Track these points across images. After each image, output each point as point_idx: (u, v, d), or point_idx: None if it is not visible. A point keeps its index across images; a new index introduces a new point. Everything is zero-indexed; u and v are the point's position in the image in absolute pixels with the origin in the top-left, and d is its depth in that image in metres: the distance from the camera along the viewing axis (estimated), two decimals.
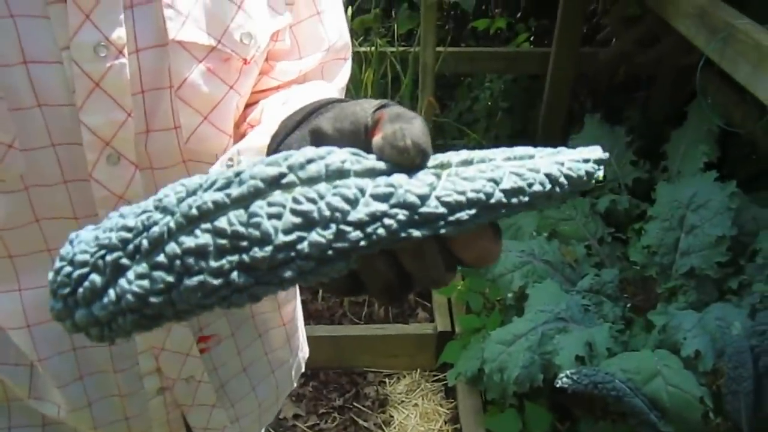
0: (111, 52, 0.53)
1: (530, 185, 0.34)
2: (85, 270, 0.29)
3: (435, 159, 0.35)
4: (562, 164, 0.36)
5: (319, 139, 0.41)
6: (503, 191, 0.34)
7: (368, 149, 0.36)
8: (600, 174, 0.38)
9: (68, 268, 0.29)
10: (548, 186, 0.35)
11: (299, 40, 0.67)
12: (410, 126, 0.35)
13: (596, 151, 0.38)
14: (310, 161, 0.32)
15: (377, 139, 0.36)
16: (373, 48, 2.21)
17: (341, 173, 0.33)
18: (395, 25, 2.22)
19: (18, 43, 0.51)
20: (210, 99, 0.59)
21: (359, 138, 0.38)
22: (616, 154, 2.05)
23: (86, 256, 0.29)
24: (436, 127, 2.34)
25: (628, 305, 1.71)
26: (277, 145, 0.47)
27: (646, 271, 1.72)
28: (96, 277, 0.29)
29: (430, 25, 1.80)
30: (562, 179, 0.36)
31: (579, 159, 0.37)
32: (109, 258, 0.29)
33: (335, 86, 0.71)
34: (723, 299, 1.57)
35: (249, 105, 0.66)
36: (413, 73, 2.18)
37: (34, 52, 0.51)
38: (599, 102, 2.68)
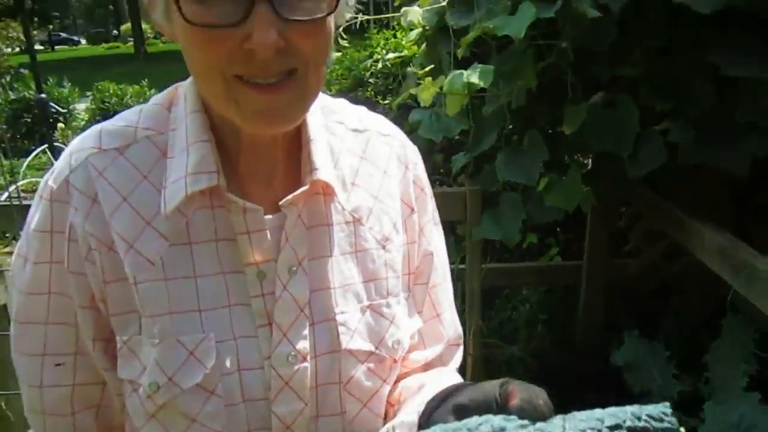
0: (298, 359, 0.72)
1: None
2: None
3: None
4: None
5: (460, 411, 0.58)
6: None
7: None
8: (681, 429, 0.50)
9: None
10: None
11: (424, 337, 0.87)
12: (537, 391, 0.55)
13: (665, 409, 0.50)
14: (480, 424, 0.48)
15: (516, 402, 0.54)
16: None
17: (502, 429, 0.47)
18: None
19: (236, 356, 0.70)
20: (369, 391, 0.77)
21: (491, 408, 0.55)
22: (658, 368, 2.13)
23: None
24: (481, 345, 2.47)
25: None
26: (425, 419, 0.64)
27: None
28: None
29: (476, 259, 1.99)
30: None
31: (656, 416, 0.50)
32: None
33: (452, 368, 0.90)
34: None
35: None
36: (460, 292, 2.36)
37: (246, 362, 0.71)
38: (633, 311, 2.80)
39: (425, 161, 2.21)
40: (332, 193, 0.75)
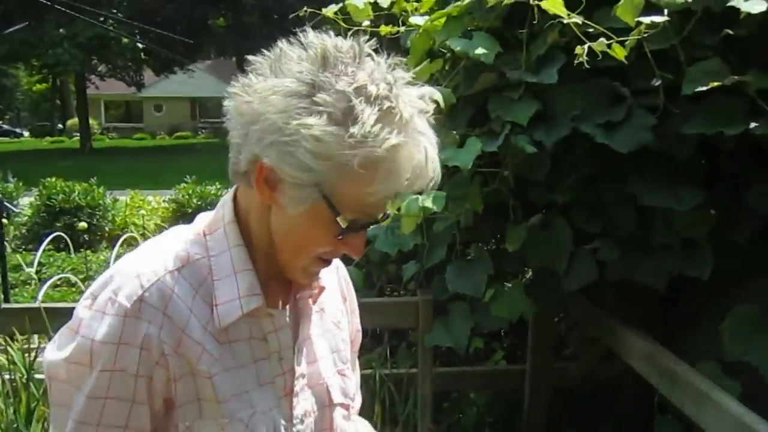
0: (307, 415, 0.98)
1: None
2: None
3: None
4: None
5: None
6: None
7: None
8: None
9: None
10: None
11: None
12: None
13: None
14: None
15: None
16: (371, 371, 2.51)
17: None
18: (397, 365, 2.58)
19: (272, 422, 0.92)
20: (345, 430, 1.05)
21: None
22: None
23: None
24: None
25: None
26: None
27: None
28: None
29: (428, 365, 2.13)
30: None
31: None
32: None
33: None
34: None
35: None
36: (414, 396, 2.46)
37: (277, 426, 0.93)
38: (574, 414, 2.94)
39: (380, 270, 2.50)
40: (321, 292, 1.01)
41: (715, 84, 1.64)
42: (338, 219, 0.83)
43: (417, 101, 0.84)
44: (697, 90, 1.67)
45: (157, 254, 0.90)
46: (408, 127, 0.80)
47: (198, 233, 0.93)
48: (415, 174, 0.82)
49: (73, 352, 0.85)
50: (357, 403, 1.13)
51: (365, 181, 0.80)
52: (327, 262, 0.93)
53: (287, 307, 0.98)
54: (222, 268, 0.90)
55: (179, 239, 0.93)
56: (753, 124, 1.64)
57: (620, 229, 1.87)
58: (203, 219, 0.96)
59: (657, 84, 1.77)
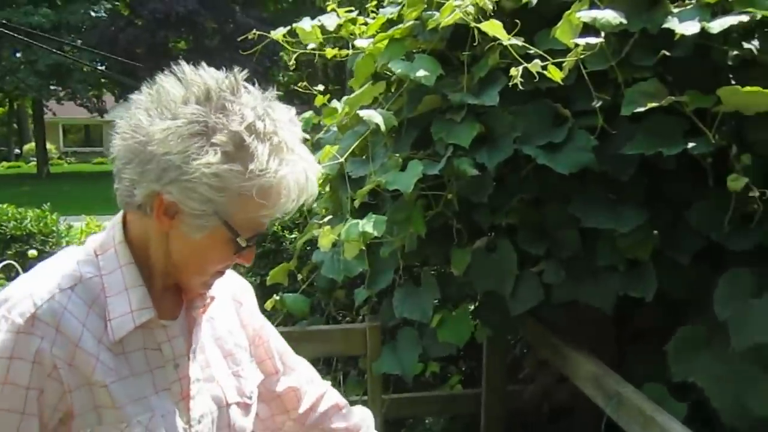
0: (205, 416, 1.04)
1: None
2: None
3: None
4: None
5: None
6: None
7: None
8: None
9: None
10: None
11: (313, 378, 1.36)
12: None
13: None
14: None
15: None
16: None
17: None
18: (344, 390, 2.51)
19: (173, 423, 0.99)
20: (243, 428, 1.11)
21: None
22: None
23: None
24: None
25: None
26: None
27: None
28: None
29: (377, 392, 2.08)
30: None
31: None
32: None
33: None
34: None
35: None
36: None
37: (174, 428, 0.99)
38: None
39: (328, 296, 2.45)
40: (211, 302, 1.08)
41: (654, 104, 1.65)
42: (237, 239, 0.95)
43: (295, 129, 0.97)
44: (636, 111, 1.67)
45: (50, 274, 0.96)
46: (294, 155, 0.94)
47: (89, 253, 1.00)
48: (300, 194, 0.95)
49: None
50: (313, 390, 1.29)
51: (261, 206, 0.92)
52: (222, 273, 1.04)
53: (179, 317, 1.05)
54: (114, 285, 0.97)
55: (71, 260, 0.99)
56: (691, 144, 1.65)
57: (564, 250, 1.85)
58: (94, 240, 1.02)
59: (597, 105, 1.77)
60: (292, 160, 0.94)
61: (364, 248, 1.89)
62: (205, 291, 1.05)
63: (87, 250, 1.00)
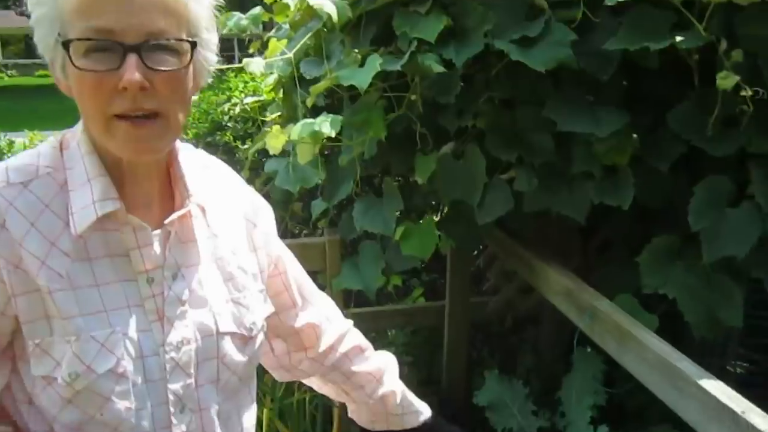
0: (185, 343, 0.93)
1: None
2: None
3: None
4: None
5: None
6: None
7: None
8: None
9: None
10: None
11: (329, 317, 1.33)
12: None
13: None
14: None
15: None
16: None
17: None
18: None
19: (139, 346, 0.89)
20: (239, 362, 0.99)
21: None
22: (518, 406, 2.20)
23: None
24: None
25: None
26: None
27: None
28: None
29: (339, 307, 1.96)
30: None
31: None
32: None
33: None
34: None
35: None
36: None
37: (146, 350, 0.90)
38: (495, 349, 2.89)
39: (284, 210, 2.24)
40: (204, 213, 0.98)
41: None
42: (72, 56, 0.82)
43: None
44: (620, 0, 1.51)
45: (2, 168, 0.90)
46: None
47: (55, 147, 0.94)
48: None
49: None
50: (333, 329, 1.27)
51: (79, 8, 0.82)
52: (125, 118, 0.85)
53: (157, 228, 0.94)
54: (76, 178, 0.91)
55: (34, 153, 0.93)
56: (679, 38, 1.50)
57: (537, 157, 1.71)
58: (63, 133, 0.96)
59: None
60: None
61: (318, 155, 1.72)
62: (132, 147, 0.88)
63: (53, 143, 0.95)
